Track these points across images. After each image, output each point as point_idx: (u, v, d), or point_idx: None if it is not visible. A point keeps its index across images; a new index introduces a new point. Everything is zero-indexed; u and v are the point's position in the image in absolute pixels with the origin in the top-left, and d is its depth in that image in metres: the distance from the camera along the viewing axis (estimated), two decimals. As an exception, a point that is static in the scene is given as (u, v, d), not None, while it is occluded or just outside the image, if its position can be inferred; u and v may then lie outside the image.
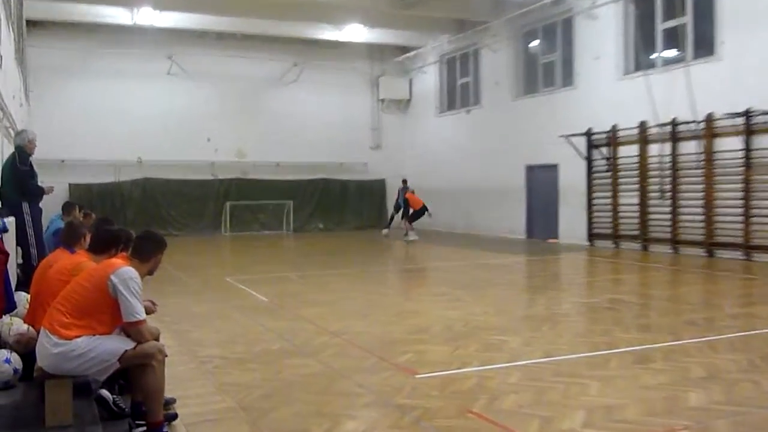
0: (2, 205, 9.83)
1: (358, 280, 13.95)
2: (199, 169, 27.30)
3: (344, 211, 29.66)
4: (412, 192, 23.98)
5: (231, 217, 27.40)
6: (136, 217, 25.23)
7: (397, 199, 24.91)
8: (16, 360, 5.80)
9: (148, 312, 5.50)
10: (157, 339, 5.47)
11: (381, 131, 30.69)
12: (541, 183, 23.07)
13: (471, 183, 26.45)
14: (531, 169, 23.68)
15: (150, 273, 5.47)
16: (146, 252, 5.45)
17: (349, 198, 29.65)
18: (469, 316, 9.72)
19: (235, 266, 16.97)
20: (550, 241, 22.31)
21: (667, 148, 18.84)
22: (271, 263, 17.35)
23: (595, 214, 21.11)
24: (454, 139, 27.83)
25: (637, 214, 19.76)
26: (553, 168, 22.43)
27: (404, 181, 25.19)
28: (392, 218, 24.98)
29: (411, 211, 23.34)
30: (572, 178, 21.71)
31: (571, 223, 21.83)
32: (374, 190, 30.16)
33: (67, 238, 6.56)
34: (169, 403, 5.66)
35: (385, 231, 24.71)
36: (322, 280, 13.79)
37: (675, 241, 18.77)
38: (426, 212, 23.33)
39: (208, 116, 27.37)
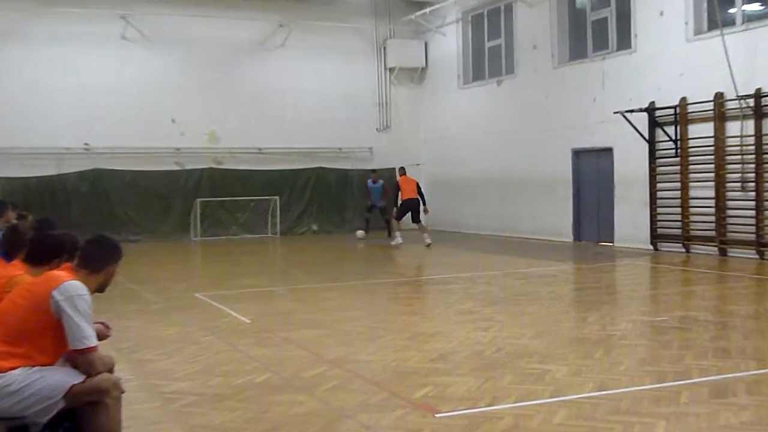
0: None
1: (363, 295, 14.21)
2: (161, 158, 27.61)
3: (345, 209, 29.98)
4: (404, 173, 24.19)
5: (202, 218, 27.72)
6: (84, 219, 25.28)
7: (367, 197, 26.06)
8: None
9: (100, 337, 5.52)
10: (111, 371, 5.49)
11: (390, 108, 31.01)
12: (592, 172, 23.41)
13: (503, 173, 26.76)
14: (578, 155, 23.99)
15: (101, 289, 5.55)
16: (97, 262, 5.50)
17: (351, 193, 29.99)
18: (503, 339, 9.86)
19: (208, 279, 17.21)
20: (604, 244, 22.67)
21: (750, 126, 18.88)
22: (253, 275, 17.51)
23: (660, 210, 21.32)
24: (482, 117, 28.08)
25: (712, 211, 19.84)
26: (606, 153, 22.74)
27: (374, 171, 26.35)
28: (388, 222, 25.70)
29: (399, 202, 23.53)
30: (631, 165, 21.93)
31: (630, 222, 22.08)
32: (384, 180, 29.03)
33: (8, 246, 6.58)
34: (128, 451, 5.69)
35: (360, 233, 25.92)
36: (318, 295, 14.04)
37: (760, 244, 18.83)
38: (420, 207, 23.29)
39: (172, 91, 27.59)
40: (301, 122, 29.21)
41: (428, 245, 22.21)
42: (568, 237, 24.16)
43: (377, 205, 26.01)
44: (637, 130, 21.25)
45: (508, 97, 26.61)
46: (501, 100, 26.96)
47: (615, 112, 21.63)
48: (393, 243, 22.99)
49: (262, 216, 28.71)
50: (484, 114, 27.89)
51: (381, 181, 26.38)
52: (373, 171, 27.12)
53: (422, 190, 23.68)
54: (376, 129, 30.85)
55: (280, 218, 28.66)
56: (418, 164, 29.96)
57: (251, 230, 28.37)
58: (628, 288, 14.86)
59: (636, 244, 21.63)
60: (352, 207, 29.86)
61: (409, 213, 23.24)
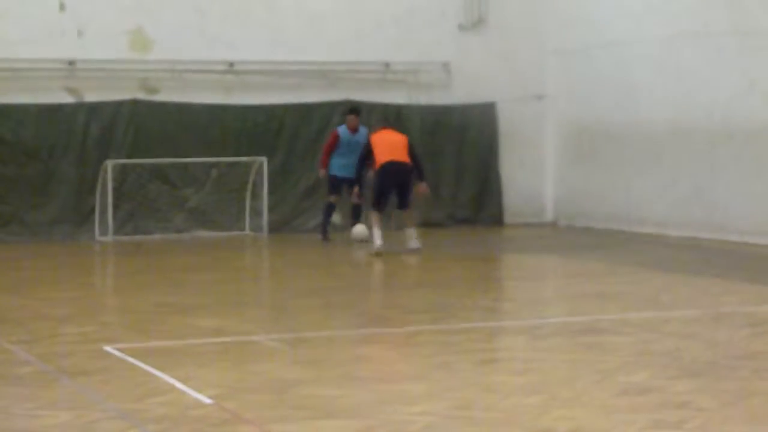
0: None
1: (431, 352, 11.00)
2: (38, 80, 22.09)
3: None
4: (382, 129, 20.21)
5: (117, 200, 22.06)
6: None
7: (324, 161, 21.38)
8: None
9: None
10: None
11: None
12: None
13: (719, 120, 20.98)
14: None
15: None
16: None
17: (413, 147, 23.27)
18: None
19: (128, 318, 14.06)
20: None
21: None
22: (215, 311, 14.11)
23: None
24: (678, 5, 22.11)
25: None
26: None
27: (354, 111, 21.41)
28: (357, 209, 21.13)
29: (371, 174, 20.07)
30: None
31: None
32: (473, 126, 23.80)
33: None
34: None
35: (335, 219, 22.49)
36: (344, 352, 11.23)
37: None
38: (403, 177, 19.49)
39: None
40: (309, 13, 23.31)
41: (415, 250, 19.35)
42: None
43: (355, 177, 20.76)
44: None
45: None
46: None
47: None
48: (375, 247, 19.07)
49: (234, 196, 22.87)
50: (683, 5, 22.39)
51: (365, 130, 21.36)
52: (352, 111, 21.33)
53: (416, 152, 20.29)
54: (459, 26, 23.92)
55: (270, 201, 22.66)
56: (540, 97, 23.77)
57: (212, 223, 22.52)
58: None
59: None
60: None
61: (394, 191, 19.64)
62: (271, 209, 22.63)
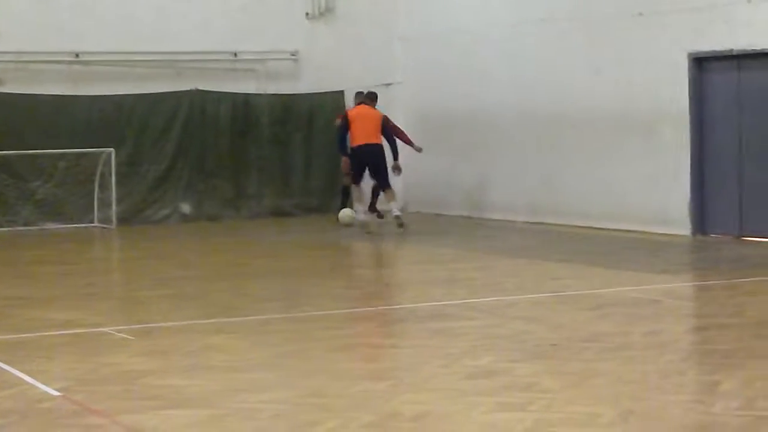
0: None
1: (284, 340, 11.31)
2: None
3: (245, 171, 24.13)
4: (364, 101, 21.41)
5: None
6: None
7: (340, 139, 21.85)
8: None
9: None
10: None
11: None
12: (729, 99, 19.94)
13: (558, 105, 21.87)
14: (702, 67, 20.11)
15: None
16: None
17: (258, 141, 24.26)
18: (554, 428, 7.85)
19: None
20: (749, 240, 19.65)
21: None
22: (64, 302, 14.44)
23: None
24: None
25: None
26: (753, 62, 19.65)
27: (368, 96, 21.79)
28: (345, 190, 22.19)
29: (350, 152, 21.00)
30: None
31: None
32: (322, 115, 24.35)
33: None
34: None
35: (346, 213, 21.74)
36: (195, 341, 11.30)
37: None
38: (375, 159, 20.54)
39: None
40: (156, 3, 23.81)
41: (400, 225, 20.18)
42: (681, 227, 20.00)
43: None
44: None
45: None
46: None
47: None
48: (361, 221, 20.65)
49: (82, 188, 23.01)
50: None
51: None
52: (360, 94, 22.07)
53: (393, 130, 21.13)
54: (307, 15, 24.57)
55: (118, 192, 22.72)
56: (388, 84, 24.25)
57: (60, 215, 22.73)
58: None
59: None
60: (260, 169, 24.26)
61: (367, 171, 20.96)
62: (119, 201, 22.72)
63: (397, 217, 20.33)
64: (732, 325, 12.39)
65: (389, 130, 20.71)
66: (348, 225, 21.35)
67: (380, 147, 20.30)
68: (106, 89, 23.15)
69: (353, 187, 21.01)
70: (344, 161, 21.10)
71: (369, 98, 21.09)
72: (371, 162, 20.45)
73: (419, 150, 21.42)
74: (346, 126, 20.60)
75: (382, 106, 22.29)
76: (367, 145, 20.23)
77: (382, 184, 20.82)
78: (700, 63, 19.61)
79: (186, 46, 23.88)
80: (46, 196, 22.98)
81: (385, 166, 20.56)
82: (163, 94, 23.71)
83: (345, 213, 21.71)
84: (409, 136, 21.44)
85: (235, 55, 24.21)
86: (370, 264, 19.42)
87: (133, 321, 12.98)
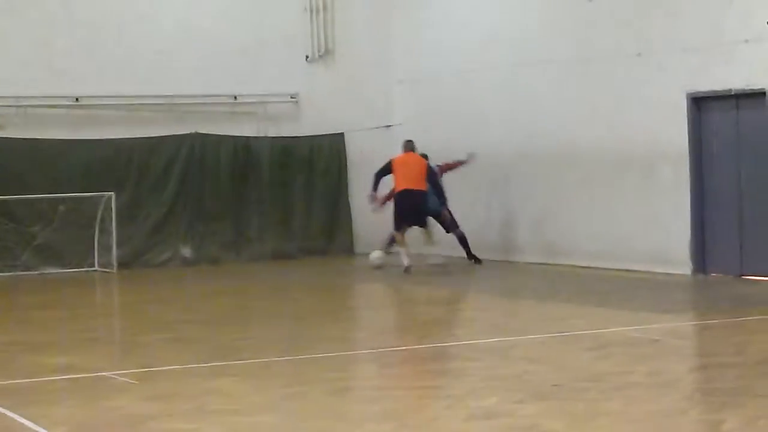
0: None
1: (285, 383, 11.24)
2: None
3: (246, 215, 23.52)
4: (409, 152, 21.01)
5: None
6: None
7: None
8: None
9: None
10: None
11: (332, 16, 24.87)
12: (729, 138, 19.63)
13: (559, 144, 21.62)
14: (701, 107, 19.78)
15: None
16: None
17: (258, 183, 23.73)
18: None
19: None
20: (751, 278, 19.23)
21: None
22: (63, 348, 14.11)
23: None
24: (517, 33, 22.73)
25: None
26: (753, 101, 19.11)
27: (410, 144, 21.77)
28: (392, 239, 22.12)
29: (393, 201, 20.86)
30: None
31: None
32: (322, 157, 24.25)
33: None
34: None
35: (377, 255, 21.71)
36: (196, 386, 11.12)
37: None
38: (417, 203, 20.40)
39: None
40: (156, 47, 23.27)
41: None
42: (682, 266, 19.67)
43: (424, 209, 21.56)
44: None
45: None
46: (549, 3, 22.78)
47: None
48: (405, 265, 20.34)
49: (83, 232, 22.53)
50: (520, 27, 22.71)
51: (427, 161, 21.90)
52: (409, 142, 21.99)
53: (437, 175, 21.10)
54: (306, 57, 24.32)
55: (118, 235, 22.35)
56: (388, 126, 24.23)
57: (60, 260, 22.35)
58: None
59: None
60: (261, 212, 23.65)
61: (411, 217, 20.66)
62: (120, 244, 22.52)
63: (407, 268, 20.30)
64: (734, 364, 12.15)
65: (434, 176, 20.90)
66: (378, 267, 21.51)
67: (423, 193, 20.50)
68: (107, 133, 23.08)
69: (396, 235, 21.05)
70: (372, 195, 21.19)
71: (412, 147, 21.38)
72: (413, 206, 20.66)
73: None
74: (387, 170, 20.80)
75: (382, 148, 22.45)
76: (410, 191, 20.46)
77: (423, 223, 21.05)
78: (699, 103, 19.39)
79: (186, 90, 23.81)
80: (47, 240, 22.78)
81: (425, 211, 20.78)
82: (163, 137, 23.65)
83: (374, 255, 21.84)
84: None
85: (235, 98, 24.16)
86: (371, 306, 19.26)
87: (135, 365, 12.81)
